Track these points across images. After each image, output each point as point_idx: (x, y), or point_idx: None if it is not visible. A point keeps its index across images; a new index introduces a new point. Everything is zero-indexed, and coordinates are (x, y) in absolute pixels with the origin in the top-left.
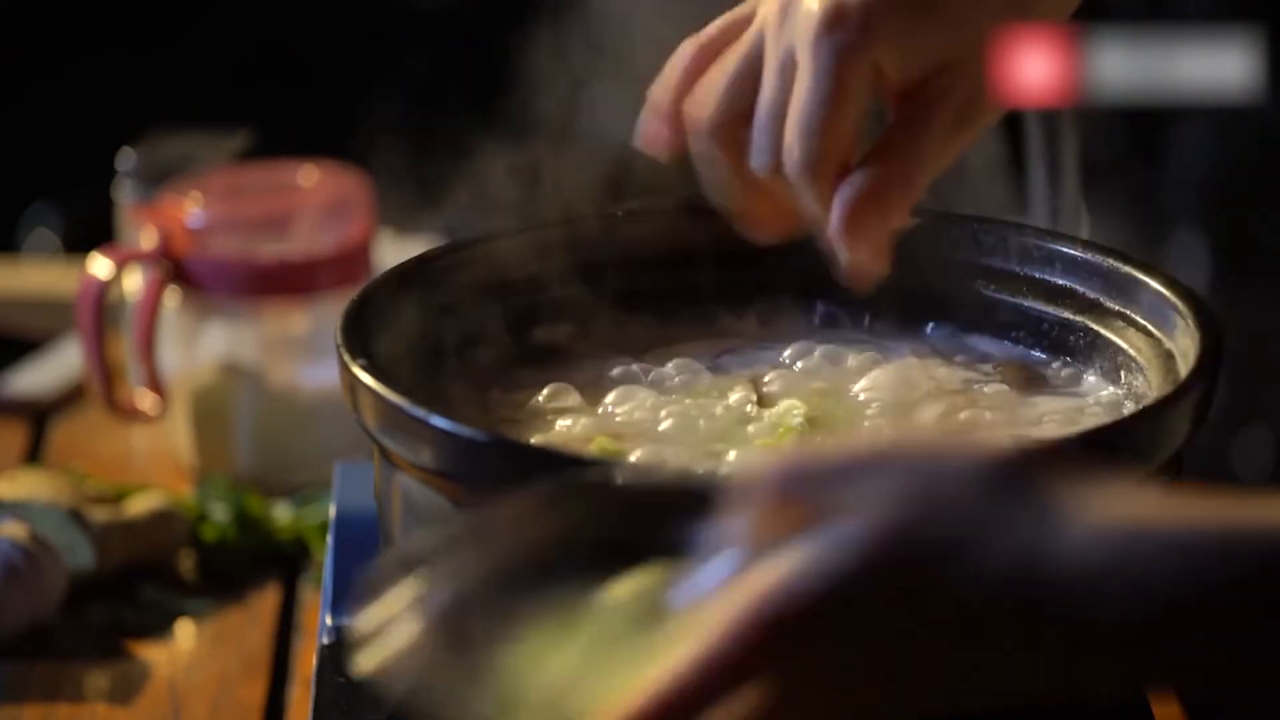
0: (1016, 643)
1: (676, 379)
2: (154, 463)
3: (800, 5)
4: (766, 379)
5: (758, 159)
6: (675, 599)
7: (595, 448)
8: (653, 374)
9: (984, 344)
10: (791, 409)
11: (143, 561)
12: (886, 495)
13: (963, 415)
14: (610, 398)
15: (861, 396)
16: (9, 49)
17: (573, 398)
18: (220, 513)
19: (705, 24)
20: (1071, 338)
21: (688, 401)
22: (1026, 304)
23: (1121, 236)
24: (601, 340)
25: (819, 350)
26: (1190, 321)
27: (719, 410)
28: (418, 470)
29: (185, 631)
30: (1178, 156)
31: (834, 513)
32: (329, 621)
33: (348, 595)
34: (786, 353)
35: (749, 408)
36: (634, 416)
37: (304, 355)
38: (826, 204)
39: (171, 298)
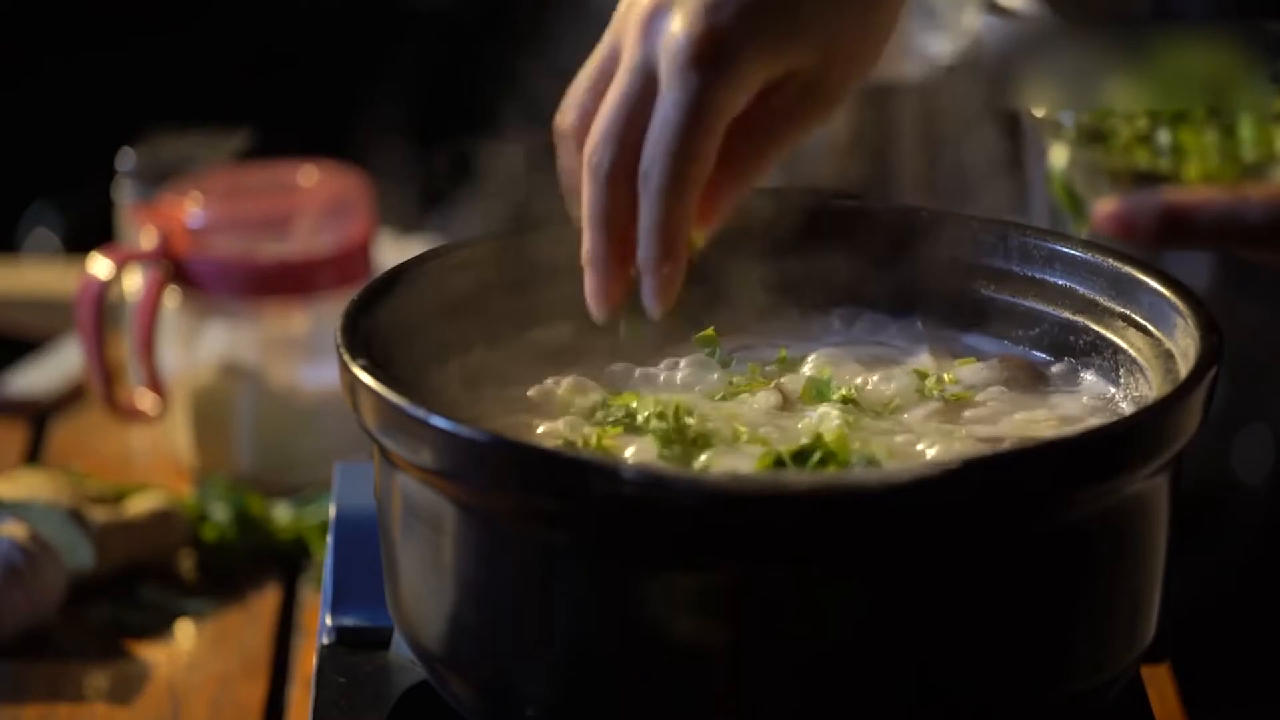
0: None
1: (685, 378)
2: (154, 463)
3: (667, 24)
4: (784, 380)
5: (602, 157)
6: None
7: (597, 448)
8: (662, 373)
9: (984, 344)
10: (827, 415)
11: (143, 561)
12: None
13: (966, 414)
14: (614, 398)
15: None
16: (9, 48)
17: (574, 398)
18: (220, 513)
19: None
20: (1071, 338)
21: (695, 400)
22: (1026, 304)
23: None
24: (604, 340)
25: (827, 351)
26: (1190, 321)
27: (744, 410)
28: (418, 470)
29: (185, 631)
30: None
31: None
32: (329, 621)
33: (347, 595)
34: (795, 352)
35: (779, 408)
36: (639, 417)
37: (304, 355)
38: (677, 225)
39: (171, 298)
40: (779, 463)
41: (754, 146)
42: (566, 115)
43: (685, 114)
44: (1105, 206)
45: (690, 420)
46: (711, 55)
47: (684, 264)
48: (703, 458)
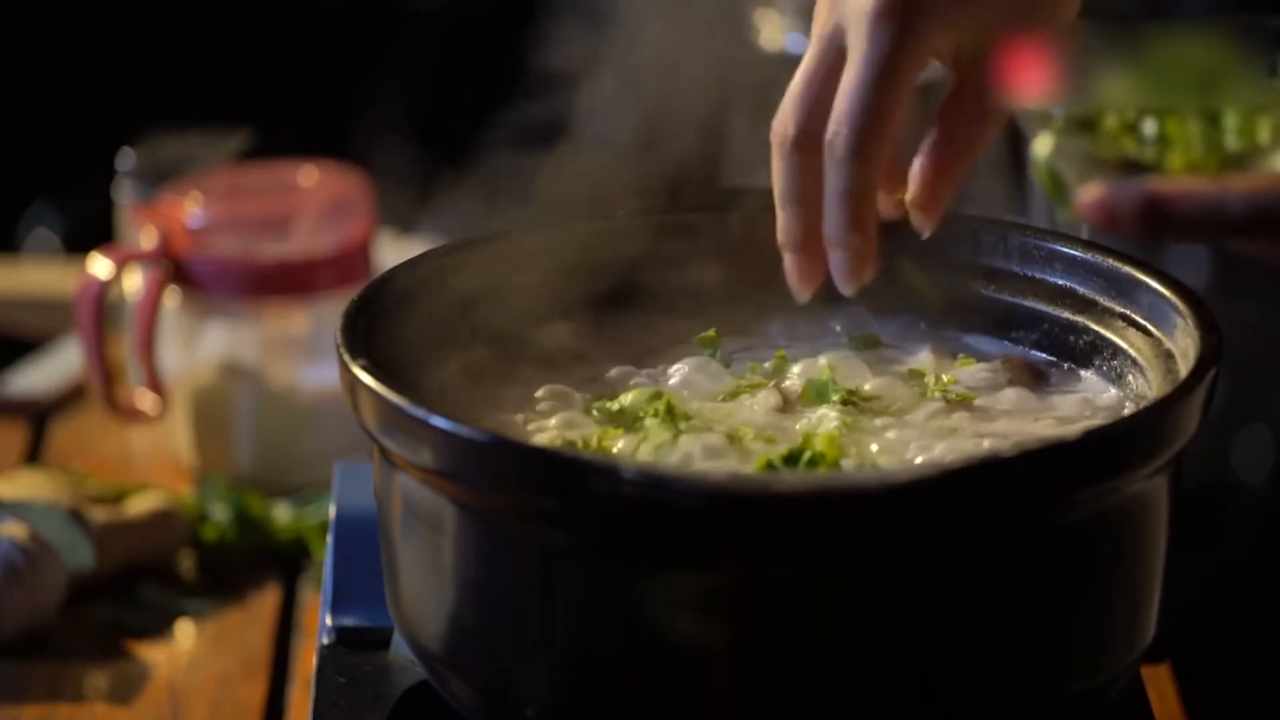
0: None
1: (685, 379)
2: (154, 463)
3: None
4: (787, 382)
5: (789, 126)
6: None
7: (597, 448)
8: (662, 374)
9: (984, 344)
10: (826, 417)
11: (143, 561)
12: None
13: (966, 414)
14: (613, 397)
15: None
16: (9, 48)
17: (574, 398)
18: (220, 513)
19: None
20: (1071, 338)
21: (696, 402)
22: (1026, 304)
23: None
24: (603, 341)
25: (828, 352)
26: (1190, 321)
27: (744, 412)
28: (418, 470)
29: (185, 631)
30: None
31: None
32: (329, 621)
33: (347, 595)
34: (795, 353)
35: (779, 409)
36: (639, 416)
37: (304, 355)
38: (863, 191)
39: (171, 298)
40: (769, 467)
41: (966, 122)
42: (785, 119)
43: (873, 72)
44: (1089, 194)
45: (690, 420)
46: (900, 12)
47: (874, 236)
48: (680, 442)
